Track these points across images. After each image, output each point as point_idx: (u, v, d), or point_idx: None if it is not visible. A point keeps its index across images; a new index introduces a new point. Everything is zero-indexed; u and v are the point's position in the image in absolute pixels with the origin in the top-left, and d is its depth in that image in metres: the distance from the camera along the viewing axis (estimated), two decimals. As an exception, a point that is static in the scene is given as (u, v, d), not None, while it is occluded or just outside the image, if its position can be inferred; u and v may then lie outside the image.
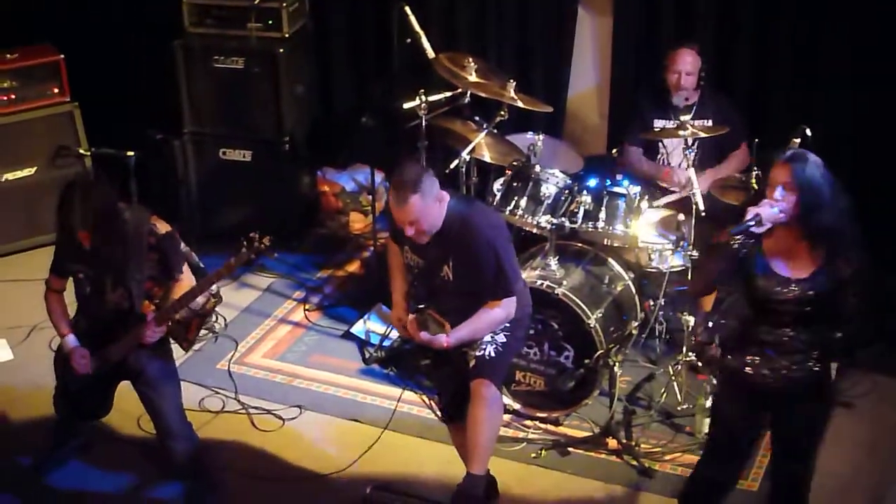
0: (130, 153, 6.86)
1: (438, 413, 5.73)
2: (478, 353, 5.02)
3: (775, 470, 4.81)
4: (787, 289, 4.36)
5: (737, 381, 4.55)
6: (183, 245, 5.41)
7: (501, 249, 5.00)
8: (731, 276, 4.49)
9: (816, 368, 4.46)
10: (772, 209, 4.29)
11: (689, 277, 5.94)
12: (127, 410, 5.74)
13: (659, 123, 6.58)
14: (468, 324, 5.01)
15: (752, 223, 4.27)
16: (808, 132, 6.03)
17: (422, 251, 5.05)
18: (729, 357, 4.58)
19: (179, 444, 5.28)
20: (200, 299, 5.19)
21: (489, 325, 5.05)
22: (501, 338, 5.06)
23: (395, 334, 6.51)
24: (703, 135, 6.16)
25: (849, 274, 4.34)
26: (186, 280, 5.20)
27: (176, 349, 5.46)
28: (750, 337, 4.49)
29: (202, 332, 6.17)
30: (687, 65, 6.45)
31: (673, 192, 6.34)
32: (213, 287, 5.22)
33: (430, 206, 4.88)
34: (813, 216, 4.29)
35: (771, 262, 4.39)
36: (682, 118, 6.20)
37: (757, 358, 4.47)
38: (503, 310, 5.05)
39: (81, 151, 7.71)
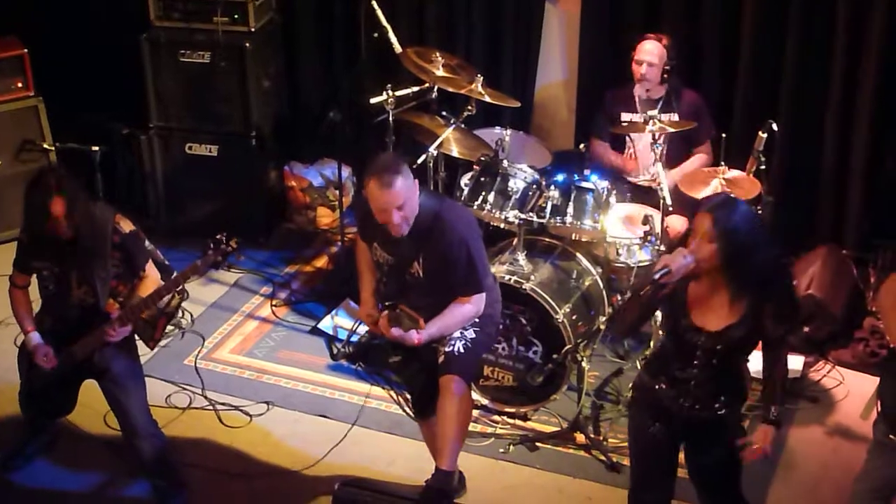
0: (95, 148, 6.81)
1: (408, 409, 5.72)
2: (447, 349, 5.02)
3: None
4: (697, 338, 4.37)
5: (649, 398, 4.57)
6: (148, 243, 5.38)
7: (473, 246, 5.00)
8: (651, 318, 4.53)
9: (721, 412, 4.47)
10: (684, 259, 4.24)
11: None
12: (93, 407, 5.69)
13: (626, 117, 6.58)
14: (438, 320, 5.00)
15: (660, 275, 4.24)
16: (775, 126, 6.07)
17: (392, 247, 5.04)
18: (646, 376, 4.61)
19: (145, 442, 5.25)
20: (166, 298, 5.17)
21: (459, 320, 5.05)
22: (471, 334, 5.06)
23: (362, 330, 6.49)
24: (670, 129, 6.16)
25: (779, 335, 4.37)
26: (151, 277, 5.18)
27: (141, 346, 5.43)
28: (665, 365, 4.52)
29: (168, 328, 6.14)
30: (649, 55, 6.42)
31: (642, 181, 6.38)
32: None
33: (412, 189, 4.87)
34: (735, 266, 4.25)
35: (690, 307, 4.39)
36: (649, 112, 6.21)
37: (665, 386, 4.50)
38: (473, 306, 5.05)
39: (46, 146, 7.64)
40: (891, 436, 4.57)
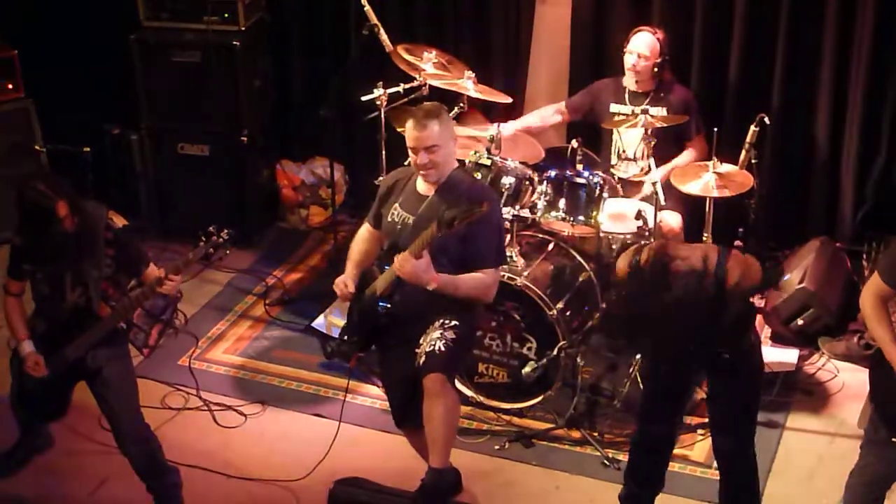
0: (87, 149, 6.80)
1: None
2: (427, 349, 4.97)
3: (714, 443, 4.97)
4: None
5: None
6: (141, 245, 5.37)
7: (500, 222, 5.17)
8: None
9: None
10: None
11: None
12: (88, 409, 5.67)
13: (614, 108, 6.56)
14: (452, 277, 4.96)
15: None
16: (766, 120, 6.06)
17: (414, 205, 5.04)
18: None
19: (137, 447, 5.22)
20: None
21: (473, 286, 4.99)
22: (450, 334, 5.00)
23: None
24: (659, 124, 6.15)
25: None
26: (154, 271, 5.18)
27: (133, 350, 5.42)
28: None
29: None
30: (642, 46, 6.39)
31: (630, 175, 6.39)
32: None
33: (447, 138, 5.00)
34: None
35: None
36: (641, 106, 6.19)
37: None
38: (486, 279, 5.02)
39: (37, 148, 7.62)
40: (883, 430, 4.57)
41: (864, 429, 4.76)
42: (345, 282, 5.19)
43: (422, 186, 5.08)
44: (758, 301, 6.65)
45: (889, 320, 4.52)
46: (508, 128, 6.56)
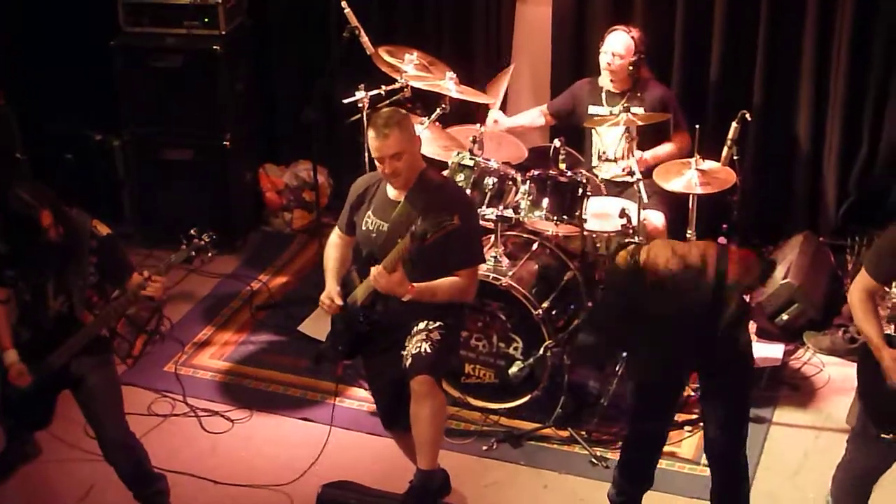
0: (69, 156, 6.77)
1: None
2: (413, 352, 4.97)
3: (706, 443, 4.92)
4: None
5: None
6: (125, 252, 5.34)
7: (474, 223, 5.13)
8: None
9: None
10: None
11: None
12: (75, 417, 5.65)
13: (593, 110, 6.57)
14: (431, 283, 4.96)
15: None
16: (748, 116, 6.07)
17: (387, 213, 5.04)
18: None
19: (122, 455, 5.20)
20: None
21: (450, 290, 4.99)
22: (436, 335, 5.00)
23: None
24: (639, 122, 6.16)
25: None
26: (137, 279, 5.15)
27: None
28: None
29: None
30: (617, 45, 6.38)
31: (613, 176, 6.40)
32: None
33: (411, 143, 4.97)
34: None
35: None
36: (621, 105, 6.20)
37: None
38: (463, 281, 5.02)
39: (18, 155, 7.58)
40: (871, 426, 4.57)
41: (852, 424, 4.77)
42: (331, 297, 5.17)
43: (392, 192, 5.07)
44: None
45: (876, 315, 4.53)
46: (504, 119, 6.68)
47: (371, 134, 4.95)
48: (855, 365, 4.77)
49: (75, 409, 5.29)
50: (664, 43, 7.00)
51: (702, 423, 5.01)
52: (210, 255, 5.17)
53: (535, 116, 6.87)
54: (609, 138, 6.53)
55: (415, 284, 4.89)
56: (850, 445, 4.76)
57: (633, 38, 6.39)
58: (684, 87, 6.94)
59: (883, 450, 4.59)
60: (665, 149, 6.48)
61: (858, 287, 4.55)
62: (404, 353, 5.00)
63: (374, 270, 4.88)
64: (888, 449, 4.57)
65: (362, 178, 5.34)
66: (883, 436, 4.52)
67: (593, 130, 6.58)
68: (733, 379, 4.73)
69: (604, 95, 6.53)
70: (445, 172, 6.20)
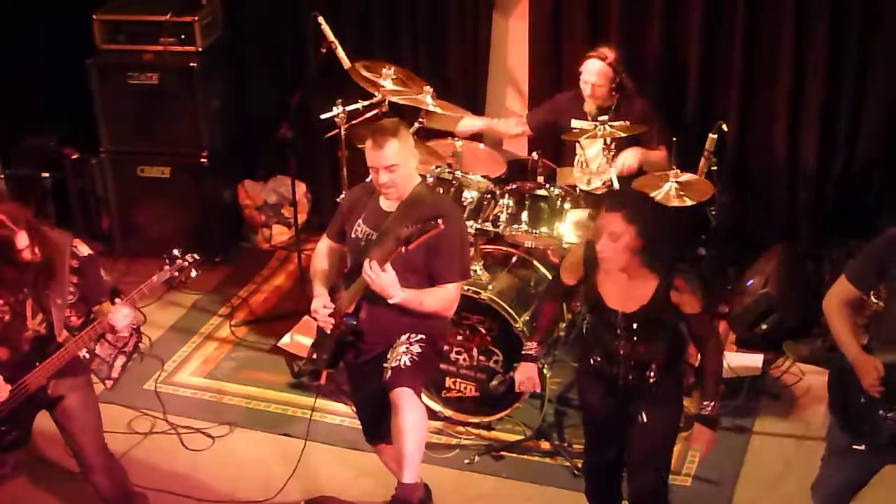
0: (46, 174, 6.74)
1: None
2: (393, 364, 4.97)
3: (628, 479, 4.88)
4: (614, 318, 4.53)
5: (590, 371, 4.74)
6: (104, 273, 5.30)
7: (464, 235, 5.14)
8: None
9: (653, 380, 4.59)
10: None
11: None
12: (55, 437, 5.62)
13: (576, 124, 6.59)
14: (416, 290, 4.96)
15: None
16: (725, 127, 6.10)
17: (378, 221, 5.04)
18: (581, 353, 4.81)
19: (102, 477, 5.16)
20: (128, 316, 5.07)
21: (436, 300, 4.99)
22: (416, 348, 4.99)
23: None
24: (621, 134, 6.17)
25: (700, 325, 4.53)
26: (107, 307, 5.10)
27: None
28: (596, 340, 4.68)
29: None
30: (593, 75, 6.39)
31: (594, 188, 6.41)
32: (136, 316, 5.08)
33: (407, 155, 4.96)
34: (644, 253, 4.41)
35: (603, 294, 4.57)
36: (601, 118, 6.22)
37: (600, 359, 4.66)
38: (450, 293, 5.02)
39: (-5, 176, 7.57)
40: (845, 436, 4.56)
41: (826, 438, 4.75)
42: (324, 305, 5.13)
43: (384, 203, 5.08)
44: (722, 307, 6.70)
45: (852, 322, 4.53)
46: (469, 122, 6.69)
47: (368, 144, 4.96)
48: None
49: (55, 429, 5.26)
50: (641, 55, 7.01)
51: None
52: (193, 274, 5.12)
53: (511, 126, 6.88)
54: (592, 151, 6.55)
55: (405, 289, 4.90)
56: (825, 462, 4.74)
57: (608, 63, 6.38)
58: (662, 99, 6.94)
59: (857, 461, 4.57)
60: (654, 154, 6.47)
61: (836, 295, 4.56)
62: (386, 364, 5.00)
63: (366, 264, 4.86)
64: (862, 461, 4.56)
65: (355, 189, 5.36)
66: (855, 446, 4.52)
67: (577, 143, 6.60)
68: (667, 409, 4.70)
69: (587, 110, 6.54)
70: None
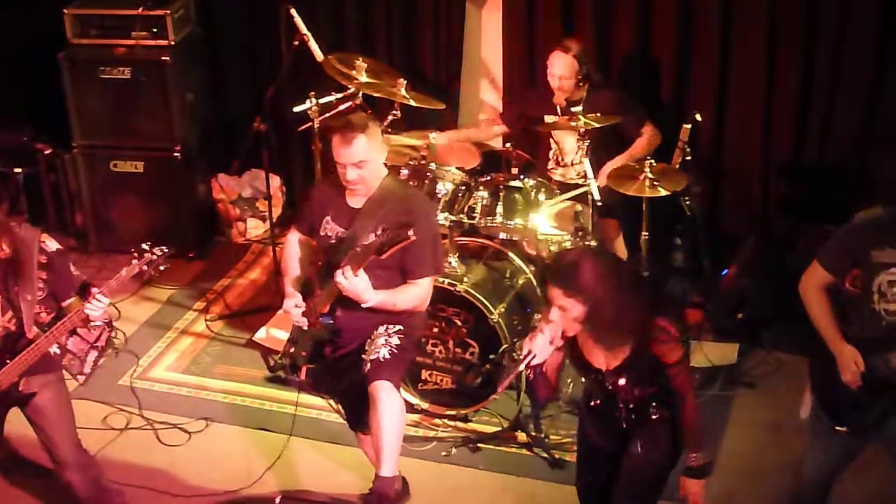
0: (18, 170, 6.70)
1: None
2: (372, 357, 4.97)
3: None
4: (598, 375, 4.40)
5: (592, 412, 4.58)
6: (73, 268, 5.26)
7: (435, 230, 5.08)
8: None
9: (655, 417, 4.43)
10: (542, 338, 4.23)
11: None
12: (28, 434, 5.60)
13: (548, 119, 6.58)
14: (388, 291, 4.95)
15: (528, 362, 4.26)
16: (698, 117, 6.10)
17: (347, 219, 5.02)
18: (583, 396, 4.64)
19: (75, 474, 5.13)
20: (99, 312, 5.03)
21: (406, 297, 5.00)
22: (395, 340, 5.01)
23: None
24: (595, 125, 6.17)
25: (671, 378, 4.33)
26: (76, 303, 5.06)
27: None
28: (592, 388, 4.54)
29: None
30: (559, 68, 6.41)
31: (570, 180, 6.41)
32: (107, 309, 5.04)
33: (375, 151, 4.92)
34: (596, 323, 4.21)
35: (583, 351, 4.41)
36: (573, 110, 6.21)
37: (599, 402, 4.50)
38: (423, 289, 5.02)
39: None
40: (825, 419, 4.58)
41: (806, 421, 4.77)
42: (296, 305, 5.09)
43: (352, 200, 5.06)
44: (697, 298, 6.72)
45: (829, 307, 4.54)
46: (448, 137, 6.67)
47: (335, 140, 4.91)
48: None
49: (28, 426, 5.23)
50: (614, 47, 7.02)
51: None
52: (162, 268, 5.07)
53: (491, 132, 6.89)
54: (568, 144, 6.55)
55: (377, 292, 4.88)
56: (807, 446, 4.76)
57: (573, 56, 6.39)
58: (636, 90, 6.95)
59: (838, 444, 4.60)
60: (637, 147, 6.47)
61: (811, 280, 4.56)
62: (364, 356, 4.99)
63: (338, 273, 4.82)
64: (843, 443, 4.59)
65: (325, 181, 5.31)
66: (837, 428, 4.54)
67: (552, 135, 6.60)
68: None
69: (559, 108, 6.53)
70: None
